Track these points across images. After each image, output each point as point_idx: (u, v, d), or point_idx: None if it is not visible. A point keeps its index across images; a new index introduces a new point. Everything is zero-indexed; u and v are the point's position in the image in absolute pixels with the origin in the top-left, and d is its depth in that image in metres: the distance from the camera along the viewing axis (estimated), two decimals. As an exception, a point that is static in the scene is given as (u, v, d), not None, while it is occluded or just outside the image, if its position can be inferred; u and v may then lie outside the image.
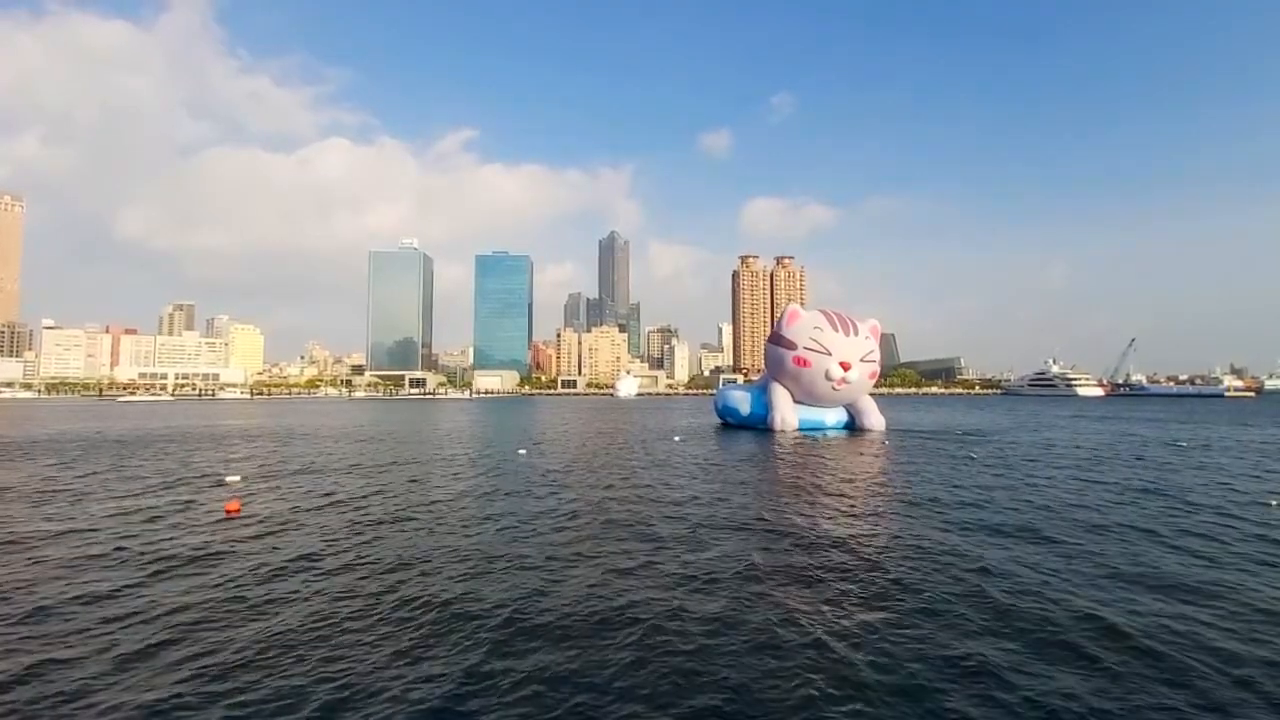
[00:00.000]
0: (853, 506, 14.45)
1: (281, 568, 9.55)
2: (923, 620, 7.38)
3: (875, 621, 7.34)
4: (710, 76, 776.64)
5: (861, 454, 25.64)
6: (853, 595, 8.27)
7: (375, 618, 7.47)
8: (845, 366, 35.21)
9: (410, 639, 6.84)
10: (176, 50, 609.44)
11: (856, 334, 36.28)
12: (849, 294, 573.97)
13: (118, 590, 8.50)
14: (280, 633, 7.02)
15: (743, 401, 41.14)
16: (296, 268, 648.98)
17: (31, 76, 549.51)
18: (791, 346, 36.56)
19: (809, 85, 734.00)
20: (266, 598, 8.19)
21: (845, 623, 7.30)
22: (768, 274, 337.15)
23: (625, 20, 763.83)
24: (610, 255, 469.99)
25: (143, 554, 10.32)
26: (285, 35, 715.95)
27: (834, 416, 37.40)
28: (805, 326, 36.69)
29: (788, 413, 36.84)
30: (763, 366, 41.60)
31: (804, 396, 37.15)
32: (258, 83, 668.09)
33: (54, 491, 16.76)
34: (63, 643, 6.79)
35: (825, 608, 7.78)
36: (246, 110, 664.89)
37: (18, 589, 8.57)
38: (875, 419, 37.26)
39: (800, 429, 36.53)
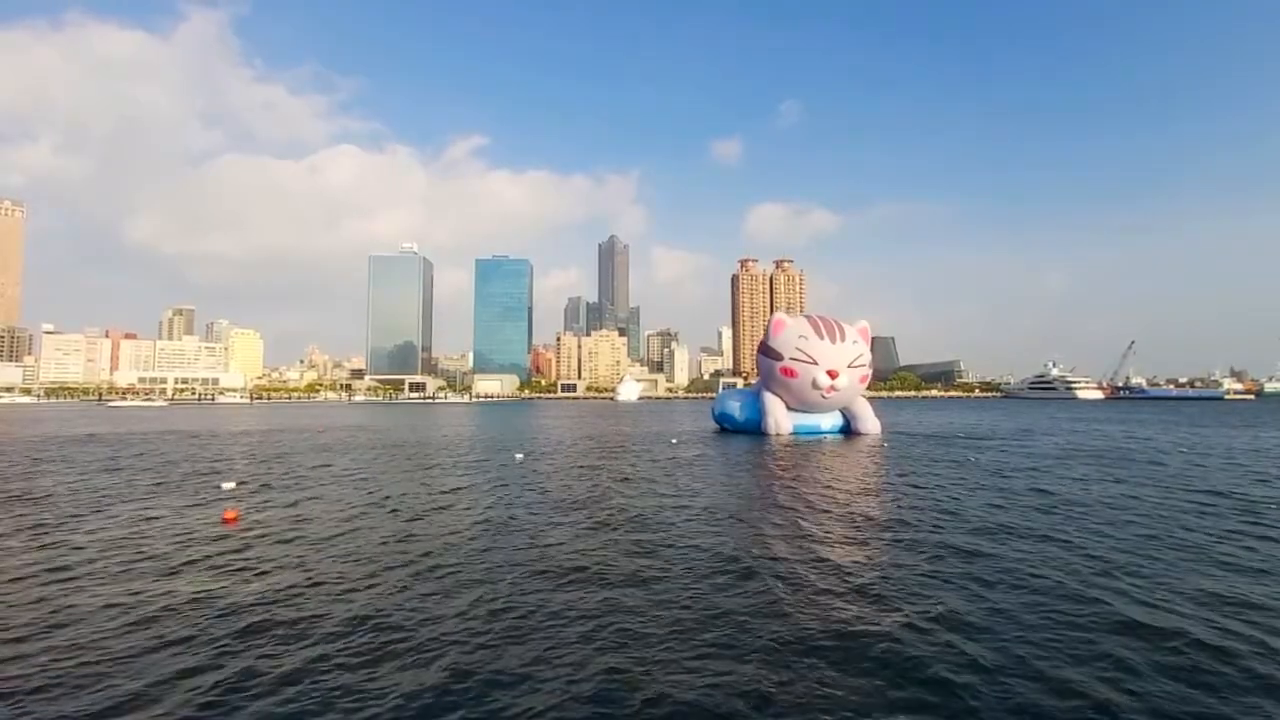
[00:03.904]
0: (847, 510, 14.56)
1: (279, 576, 9.67)
2: (914, 624, 7.54)
3: (866, 625, 7.50)
4: (718, 83, 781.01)
5: (856, 458, 25.77)
6: (844, 599, 8.42)
7: (373, 622, 7.62)
8: (833, 374, 35.24)
9: (410, 647, 6.94)
10: (193, 60, 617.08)
11: (844, 339, 36.28)
12: (849, 298, 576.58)
13: (110, 602, 8.63)
14: (274, 641, 7.17)
15: (738, 407, 41.41)
16: (298, 272, 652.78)
17: (47, 86, 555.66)
18: (778, 357, 36.72)
19: (816, 92, 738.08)
20: (263, 607, 8.33)
21: (835, 627, 7.46)
22: (767, 278, 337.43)
23: (634, 28, 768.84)
24: (610, 259, 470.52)
25: (136, 565, 10.45)
26: (300, 45, 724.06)
27: (829, 421, 37.54)
28: (791, 336, 36.78)
29: (781, 417, 37.00)
30: (760, 371, 41.86)
31: (796, 404, 37.29)
32: (271, 91, 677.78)
33: (30, 501, 16.88)
34: (57, 654, 6.93)
35: (816, 609, 7.94)
36: (259, 119, 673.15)
37: (6, 605, 8.71)
38: (871, 423, 37.40)
39: (796, 434, 36.67)
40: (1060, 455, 27.65)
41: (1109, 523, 13.28)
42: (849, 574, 9.63)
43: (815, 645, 6.94)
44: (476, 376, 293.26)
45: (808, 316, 38.78)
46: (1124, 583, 9.12)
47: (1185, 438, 37.90)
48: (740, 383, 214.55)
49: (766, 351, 38.04)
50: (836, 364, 35.43)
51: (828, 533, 12.49)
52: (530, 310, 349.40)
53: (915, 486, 18.36)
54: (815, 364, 35.42)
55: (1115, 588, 8.89)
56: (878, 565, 10.11)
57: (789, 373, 36.18)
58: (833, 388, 35.47)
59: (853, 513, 14.48)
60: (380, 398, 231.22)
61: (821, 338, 35.95)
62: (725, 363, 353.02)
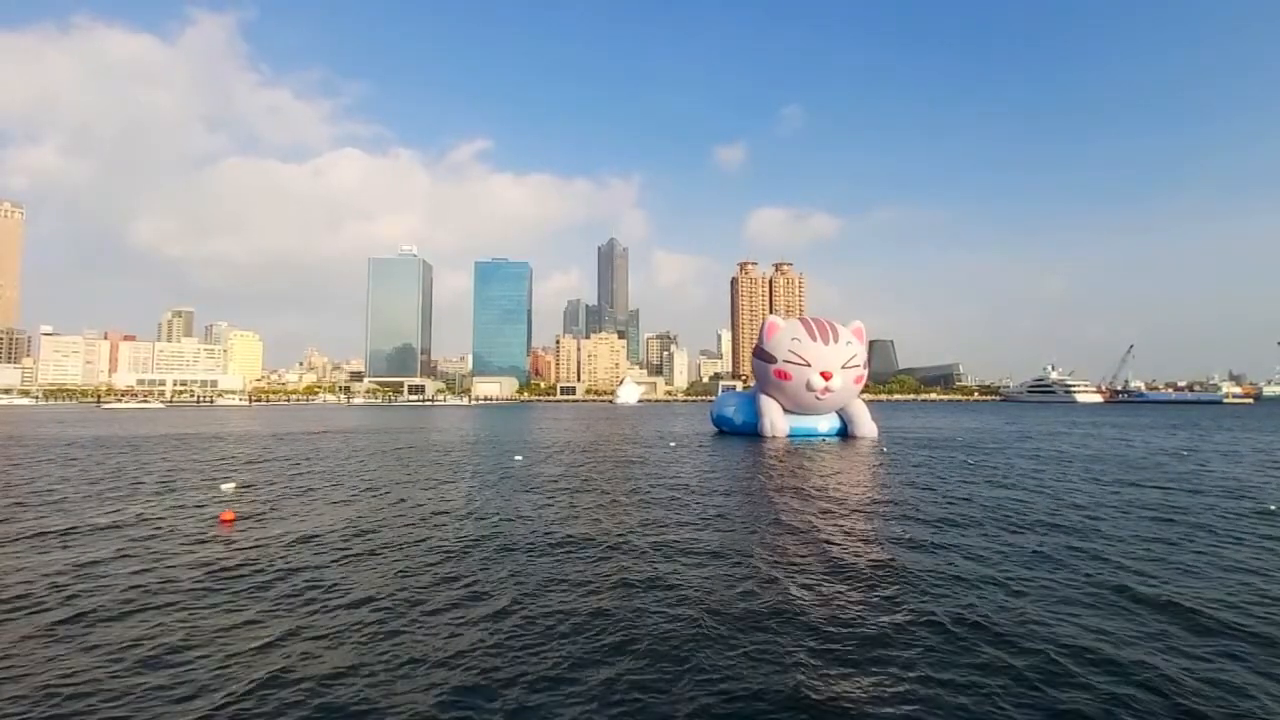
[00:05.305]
0: (843, 514, 14.65)
1: (278, 579, 9.73)
2: (903, 633, 7.62)
3: (856, 643, 7.58)
4: (719, 87, 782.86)
5: (853, 462, 25.85)
6: (833, 608, 8.51)
7: (372, 624, 7.69)
8: (826, 376, 35.36)
9: (409, 650, 6.98)
10: (199, 64, 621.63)
11: (837, 340, 36.39)
12: (849, 301, 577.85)
13: (111, 602, 8.70)
14: (270, 642, 7.26)
15: (735, 410, 41.65)
16: (299, 275, 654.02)
17: (53, 89, 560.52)
18: (772, 360, 36.87)
19: (817, 95, 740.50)
20: (262, 609, 8.40)
21: (823, 631, 7.54)
22: (766, 281, 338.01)
23: (635, 32, 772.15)
24: (609, 262, 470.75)
25: (136, 566, 10.53)
26: (306, 50, 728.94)
27: (826, 424, 37.63)
28: (784, 339, 36.94)
29: (777, 419, 37.15)
30: (757, 374, 42.03)
31: (791, 406, 37.42)
32: (277, 96, 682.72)
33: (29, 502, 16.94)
34: (55, 653, 7.00)
35: (822, 617, 8.03)
36: (264, 122, 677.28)
37: (11, 606, 8.78)
38: (867, 426, 37.48)
39: (793, 436, 36.77)
40: (1064, 460, 27.70)
41: (1126, 527, 13.36)
42: (852, 582, 9.70)
43: (823, 655, 7.02)
44: (475, 379, 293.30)
45: (801, 319, 38.90)
46: (1143, 580, 9.22)
47: (1189, 441, 38.01)
48: (739, 385, 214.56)
49: (761, 354, 38.22)
50: (830, 365, 35.54)
51: (829, 538, 12.56)
52: (530, 313, 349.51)
53: (915, 491, 18.44)
54: (808, 366, 35.57)
55: (1137, 586, 8.99)
56: (880, 569, 10.17)
57: (783, 375, 36.32)
58: (827, 389, 35.57)
59: (852, 518, 14.56)
60: (379, 400, 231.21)
61: (814, 339, 36.10)
62: (724, 365, 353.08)
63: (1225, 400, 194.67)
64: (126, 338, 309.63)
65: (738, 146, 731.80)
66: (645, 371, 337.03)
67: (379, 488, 19.18)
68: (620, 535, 12.46)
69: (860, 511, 15.05)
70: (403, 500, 16.83)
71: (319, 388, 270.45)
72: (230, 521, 13.86)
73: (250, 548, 11.49)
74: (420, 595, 8.71)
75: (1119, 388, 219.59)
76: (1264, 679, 6.17)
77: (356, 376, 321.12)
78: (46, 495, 17.60)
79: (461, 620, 7.76)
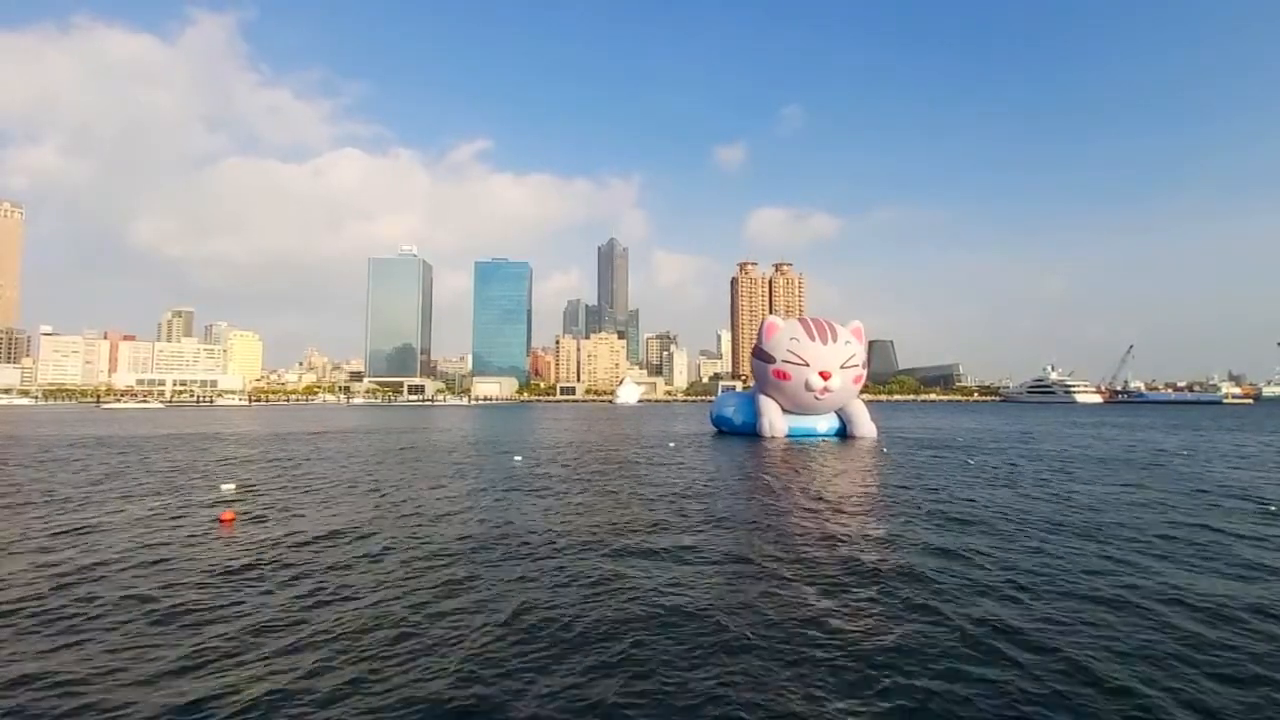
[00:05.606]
0: (847, 515, 14.63)
1: (279, 580, 9.71)
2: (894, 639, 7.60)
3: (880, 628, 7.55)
4: (719, 88, 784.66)
5: (852, 462, 25.82)
6: (854, 609, 8.48)
7: (373, 627, 7.66)
8: (825, 376, 35.36)
9: (410, 653, 6.95)
10: (199, 64, 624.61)
11: (836, 340, 36.38)
12: (849, 301, 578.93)
13: (112, 603, 8.68)
14: (269, 643, 7.23)
15: (735, 410, 41.66)
16: (299, 275, 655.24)
17: (53, 89, 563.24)
18: (771, 360, 36.88)
19: (817, 96, 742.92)
20: (263, 611, 8.37)
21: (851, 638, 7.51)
22: (766, 281, 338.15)
23: (637, 33, 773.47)
24: (609, 262, 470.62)
25: (137, 568, 10.50)
26: (307, 50, 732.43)
27: (825, 424, 37.61)
28: (782, 338, 36.95)
29: (776, 419, 37.13)
30: (757, 375, 42.04)
31: (790, 406, 37.41)
32: (277, 96, 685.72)
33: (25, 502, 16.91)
34: (57, 657, 6.98)
35: (828, 620, 8.00)
36: (264, 122, 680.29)
37: (13, 608, 8.76)
38: (866, 427, 37.45)
39: (792, 436, 36.75)
40: (1066, 461, 27.67)
41: (1131, 527, 13.34)
42: (861, 583, 9.67)
43: (830, 658, 7.00)
44: (475, 379, 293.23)
45: (800, 319, 38.91)
46: (1155, 581, 9.21)
47: (1190, 441, 37.99)
48: (739, 386, 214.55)
49: (760, 354, 38.25)
50: (828, 365, 35.54)
51: (834, 540, 12.53)
52: (530, 313, 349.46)
53: (915, 491, 18.41)
54: (807, 366, 35.57)
55: (1148, 583, 8.97)
56: (887, 571, 10.13)
57: (781, 375, 36.33)
58: (826, 389, 35.57)
59: (856, 519, 14.54)
60: (379, 400, 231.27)
61: (813, 339, 36.11)
62: (724, 366, 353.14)
63: (1225, 401, 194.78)
64: (126, 338, 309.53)
65: (738, 146, 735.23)
66: (645, 371, 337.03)
67: (380, 488, 19.15)
68: (624, 537, 12.43)
69: (864, 513, 15.03)
70: (404, 501, 16.79)
71: (319, 388, 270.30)
72: (230, 522, 13.83)
73: (250, 548, 11.45)
74: (424, 599, 8.66)
75: (1119, 388, 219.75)
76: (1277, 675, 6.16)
77: (356, 376, 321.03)
78: (48, 495, 17.56)
79: (467, 625, 7.70)
